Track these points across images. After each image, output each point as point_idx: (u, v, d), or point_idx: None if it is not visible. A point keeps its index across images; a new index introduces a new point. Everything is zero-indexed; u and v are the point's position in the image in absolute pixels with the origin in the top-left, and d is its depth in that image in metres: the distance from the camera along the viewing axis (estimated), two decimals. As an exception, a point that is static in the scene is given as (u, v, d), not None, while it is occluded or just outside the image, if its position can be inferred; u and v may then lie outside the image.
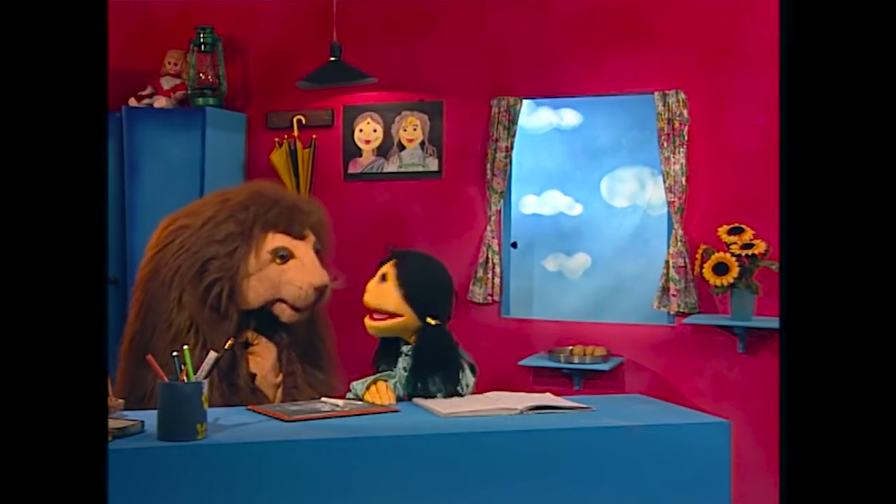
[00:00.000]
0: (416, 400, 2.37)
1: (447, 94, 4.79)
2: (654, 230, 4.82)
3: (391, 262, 2.48)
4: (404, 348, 2.48)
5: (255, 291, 2.64)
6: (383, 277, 2.46)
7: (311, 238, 2.78)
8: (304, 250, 2.72)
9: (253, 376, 2.64)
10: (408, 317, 2.44)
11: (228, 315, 2.61)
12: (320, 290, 2.69)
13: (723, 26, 4.31)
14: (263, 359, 2.68)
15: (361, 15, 4.81)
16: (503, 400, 2.32)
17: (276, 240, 2.67)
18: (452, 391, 2.40)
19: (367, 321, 2.48)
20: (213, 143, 4.86)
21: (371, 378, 2.40)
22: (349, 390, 2.43)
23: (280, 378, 2.69)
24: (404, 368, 2.46)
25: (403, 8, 4.87)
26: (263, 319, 2.69)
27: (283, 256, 2.67)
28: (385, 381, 2.39)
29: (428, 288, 2.46)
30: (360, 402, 2.35)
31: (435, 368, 2.41)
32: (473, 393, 2.45)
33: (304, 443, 1.98)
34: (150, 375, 2.26)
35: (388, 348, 2.52)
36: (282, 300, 2.67)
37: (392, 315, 2.45)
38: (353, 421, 2.16)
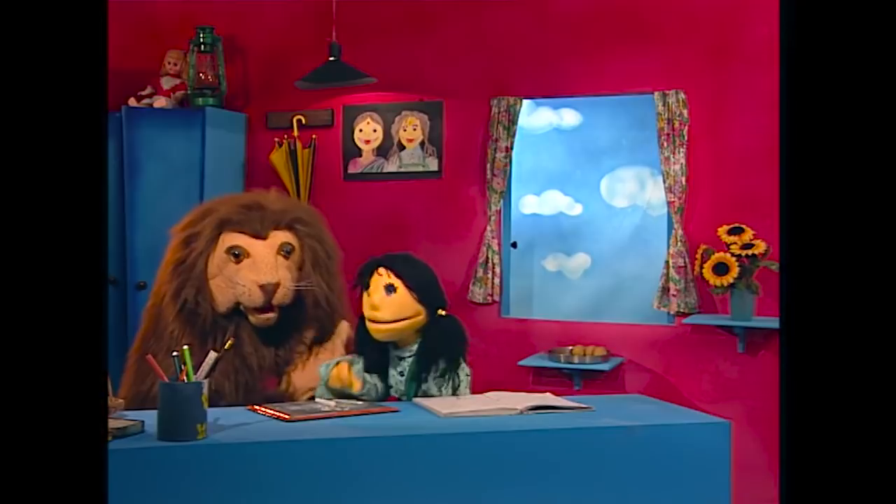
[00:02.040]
0: (416, 400, 2.37)
1: (447, 94, 4.79)
2: (654, 230, 4.82)
3: (389, 272, 2.43)
4: (398, 352, 2.46)
5: (221, 293, 2.62)
6: (389, 288, 2.41)
7: (279, 238, 2.70)
8: (260, 249, 2.65)
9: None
10: (422, 316, 2.43)
11: (204, 317, 2.61)
12: (268, 290, 2.60)
13: (723, 26, 4.31)
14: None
15: (361, 15, 4.80)
16: (503, 400, 2.32)
17: (231, 238, 2.65)
18: (453, 381, 2.41)
19: (377, 326, 2.42)
20: (213, 143, 4.86)
21: (335, 360, 2.43)
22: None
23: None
24: (401, 373, 2.46)
25: (403, 8, 4.87)
26: (241, 322, 2.68)
27: (237, 255, 2.62)
28: (348, 363, 2.41)
29: (430, 282, 2.47)
30: (360, 402, 2.35)
31: (449, 357, 2.41)
32: (471, 392, 2.45)
33: (304, 443, 1.98)
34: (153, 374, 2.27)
35: (373, 347, 2.47)
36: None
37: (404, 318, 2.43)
38: (353, 421, 2.16)
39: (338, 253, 2.87)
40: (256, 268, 2.61)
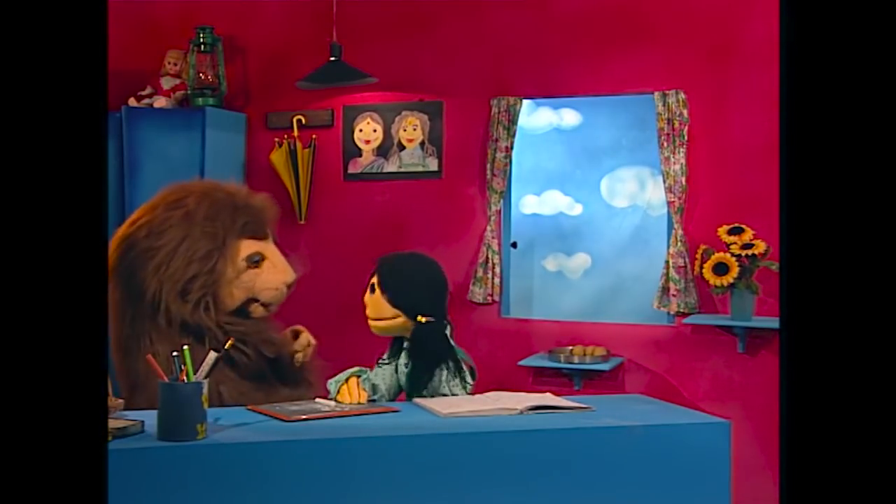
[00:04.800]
0: (416, 400, 2.38)
1: (447, 94, 4.79)
2: (654, 230, 4.82)
3: (375, 272, 2.54)
4: (406, 345, 2.52)
5: (232, 297, 2.67)
6: (371, 288, 2.52)
7: (271, 234, 2.82)
8: (271, 250, 2.77)
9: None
10: (402, 318, 2.48)
11: (212, 323, 2.62)
12: (291, 289, 2.78)
13: (723, 26, 4.31)
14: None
15: (361, 15, 4.80)
16: (503, 400, 2.32)
17: (248, 246, 2.71)
18: (452, 390, 2.42)
19: (370, 323, 2.54)
20: (213, 143, 4.86)
21: (344, 375, 2.45)
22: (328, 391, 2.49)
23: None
24: (405, 365, 2.49)
25: (403, 8, 4.87)
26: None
27: (256, 261, 2.71)
28: (357, 376, 2.44)
29: (411, 287, 2.49)
30: (360, 403, 2.36)
31: (431, 365, 2.43)
32: (473, 393, 2.46)
33: (304, 443, 1.98)
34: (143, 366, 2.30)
35: (398, 344, 2.58)
36: (255, 300, 2.71)
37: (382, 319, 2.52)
38: (353, 421, 2.17)
39: None
40: (277, 269, 2.73)
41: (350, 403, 2.35)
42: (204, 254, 2.62)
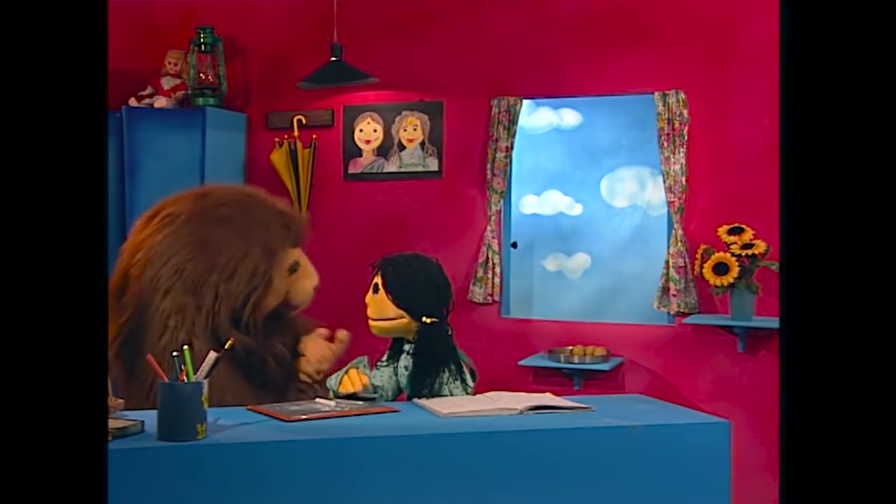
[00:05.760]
0: (416, 400, 2.38)
1: (447, 94, 4.79)
2: (654, 230, 4.82)
3: (379, 272, 2.53)
4: (406, 347, 2.51)
5: (269, 304, 2.69)
6: (375, 288, 2.52)
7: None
8: (302, 256, 2.83)
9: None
10: (406, 319, 2.48)
11: (252, 332, 2.64)
12: (317, 289, 2.83)
13: (723, 26, 4.31)
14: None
15: (361, 15, 4.80)
16: (503, 400, 2.32)
17: (291, 255, 2.77)
18: (452, 392, 2.42)
19: (371, 323, 2.53)
20: (213, 143, 4.86)
21: (342, 371, 2.46)
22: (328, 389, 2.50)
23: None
24: (406, 367, 2.48)
25: (403, 8, 4.87)
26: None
27: (295, 269, 2.77)
28: (356, 367, 2.46)
29: (416, 288, 2.49)
30: (359, 402, 2.36)
31: (434, 366, 2.43)
32: (473, 393, 2.46)
33: (304, 443, 1.98)
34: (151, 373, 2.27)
35: (398, 345, 2.57)
36: (287, 304, 2.75)
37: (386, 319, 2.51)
38: (353, 421, 2.16)
39: None
40: (308, 274, 2.81)
41: (354, 390, 2.38)
42: (255, 271, 2.62)
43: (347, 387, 2.39)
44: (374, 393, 2.50)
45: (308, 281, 2.80)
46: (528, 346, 4.59)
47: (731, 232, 4.11)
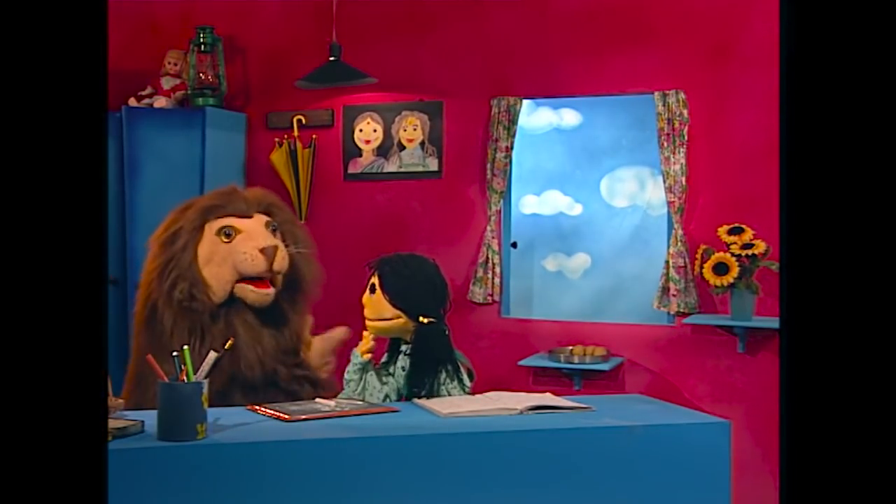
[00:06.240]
0: (416, 400, 2.38)
1: (447, 94, 4.79)
2: (654, 230, 4.82)
3: (376, 272, 2.54)
4: (403, 348, 2.52)
5: (216, 277, 2.64)
6: (371, 288, 2.52)
7: (262, 218, 2.76)
8: (250, 224, 2.71)
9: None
10: (404, 319, 2.48)
11: (201, 311, 2.61)
12: (268, 253, 2.63)
13: (723, 26, 4.31)
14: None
15: (361, 15, 4.80)
16: (503, 400, 2.32)
17: (219, 221, 2.69)
18: (450, 392, 2.42)
19: (368, 323, 2.54)
20: (213, 143, 4.86)
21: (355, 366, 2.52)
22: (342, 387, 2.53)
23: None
24: (402, 368, 2.49)
25: (403, 8, 4.86)
26: (240, 310, 2.69)
27: (229, 234, 2.67)
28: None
29: (413, 288, 2.50)
30: (360, 402, 2.36)
31: (432, 366, 2.43)
32: (472, 393, 2.46)
33: (304, 443, 1.98)
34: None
35: (395, 347, 2.59)
36: (242, 280, 2.66)
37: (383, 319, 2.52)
38: (353, 421, 2.17)
39: (311, 242, 2.92)
40: (252, 237, 2.66)
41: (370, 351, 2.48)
42: (171, 236, 2.66)
43: (365, 349, 2.49)
44: (385, 402, 2.48)
45: (247, 242, 2.64)
46: (528, 347, 4.59)
47: (731, 232, 4.11)
